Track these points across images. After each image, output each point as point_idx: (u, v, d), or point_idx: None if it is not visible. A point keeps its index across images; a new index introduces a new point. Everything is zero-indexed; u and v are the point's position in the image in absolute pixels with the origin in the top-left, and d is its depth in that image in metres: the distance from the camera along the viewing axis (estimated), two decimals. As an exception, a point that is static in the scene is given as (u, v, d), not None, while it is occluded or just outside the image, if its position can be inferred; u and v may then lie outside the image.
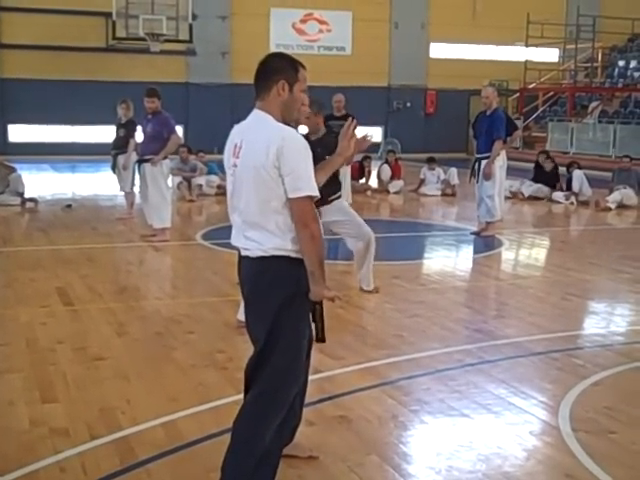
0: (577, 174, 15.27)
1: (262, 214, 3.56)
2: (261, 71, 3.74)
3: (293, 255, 3.55)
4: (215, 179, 15.83)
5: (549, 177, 15.93)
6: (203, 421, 4.63)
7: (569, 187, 15.47)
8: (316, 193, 3.52)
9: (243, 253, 3.70)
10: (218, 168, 16.29)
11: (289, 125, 3.68)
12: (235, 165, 3.65)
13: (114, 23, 23.20)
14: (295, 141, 3.53)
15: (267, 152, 3.48)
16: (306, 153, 3.53)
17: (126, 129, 12.27)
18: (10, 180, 13.84)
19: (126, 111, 12.40)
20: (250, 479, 3.56)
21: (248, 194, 3.59)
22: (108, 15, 23.31)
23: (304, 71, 3.80)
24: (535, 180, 16.04)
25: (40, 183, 17.27)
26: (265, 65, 3.76)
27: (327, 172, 4.01)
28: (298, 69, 3.77)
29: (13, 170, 14.14)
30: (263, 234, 3.56)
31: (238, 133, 3.74)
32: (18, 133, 24.45)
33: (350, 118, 4.30)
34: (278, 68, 3.73)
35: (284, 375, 3.65)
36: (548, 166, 16.05)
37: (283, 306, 3.55)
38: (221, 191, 15.69)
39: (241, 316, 6.47)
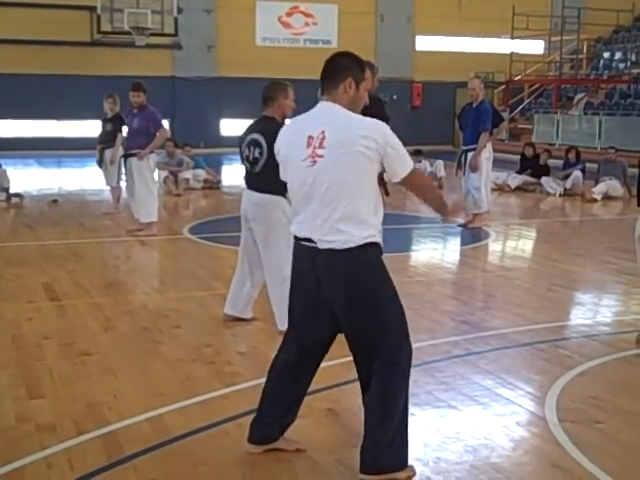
0: (577, 174, 15.27)
1: (355, 203, 3.67)
2: (329, 68, 3.88)
3: (375, 240, 3.74)
4: (202, 173, 15.80)
5: (535, 167, 15.99)
6: (190, 415, 4.62)
7: (564, 169, 15.52)
8: (412, 166, 3.79)
9: (323, 246, 3.71)
10: (204, 162, 16.28)
11: None
12: (317, 155, 3.69)
13: (99, 17, 23.07)
14: (383, 127, 3.73)
15: (367, 139, 3.63)
16: (393, 135, 3.74)
17: (113, 123, 12.22)
18: (-4, 177, 13.77)
19: (112, 105, 12.35)
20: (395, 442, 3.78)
21: (340, 184, 3.66)
22: (93, 9, 23.17)
23: (369, 71, 3.98)
24: (521, 172, 16.09)
25: (26, 178, 17.17)
26: (333, 62, 3.90)
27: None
28: (364, 68, 3.93)
29: None
30: (355, 224, 3.68)
31: (308, 124, 3.78)
32: (3, 128, 24.30)
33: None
34: (346, 66, 3.88)
35: (401, 349, 3.85)
36: (529, 153, 16.26)
37: (380, 289, 3.79)
38: (207, 185, 15.67)
39: (229, 309, 6.47)
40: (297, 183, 3.81)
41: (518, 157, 16.82)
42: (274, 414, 4.07)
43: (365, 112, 3.86)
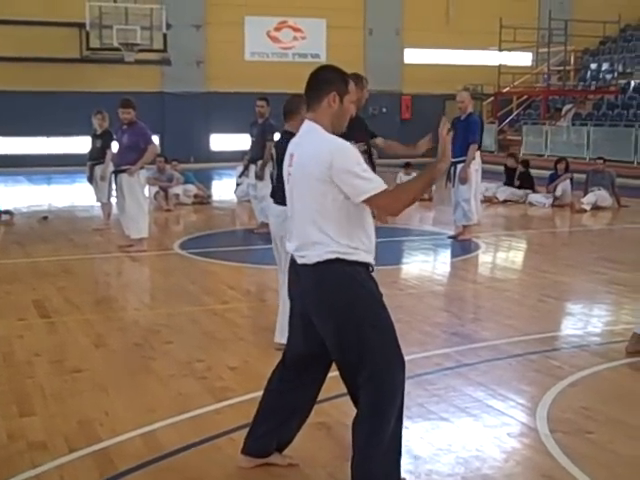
0: (566, 184, 15.34)
1: (315, 221, 3.71)
2: (312, 82, 3.90)
3: (349, 258, 3.70)
4: (192, 188, 15.82)
5: (519, 178, 16.10)
6: (183, 431, 4.62)
7: (552, 180, 15.60)
8: (382, 186, 3.67)
9: (299, 261, 3.80)
10: (195, 177, 16.30)
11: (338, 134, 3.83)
12: (290, 174, 3.86)
13: (88, 34, 23.15)
14: (343, 150, 3.69)
15: (317, 162, 3.66)
16: (356, 157, 3.68)
17: (102, 140, 12.24)
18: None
19: (101, 122, 12.37)
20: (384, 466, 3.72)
21: (301, 202, 3.77)
22: (82, 26, 23.24)
23: (353, 84, 3.96)
24: (507, 183, 16.19)
25: (16, 195, 17.17)
26: (316, 77, 3.91)
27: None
28: (348, 81, 3.92)
29: None
30: (317, 240, 3.71)
31: (293, 144, 3.92)
32: (-7, 145, 24.30)
33: (443, 118, 4.31)
34: (329, 80, 3.87)
35: (386, 363, 3.79)
36: (511, 163, 16.38)
37: (350, 306, 3.70)
38: (198, 200, 15.69)
39: (281, 339, 6.23)
40: (287, 197, 3.95)
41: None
42: (267, 425, 4.07)
43: (346, 134, 3.87)
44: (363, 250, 3.77)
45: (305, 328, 3.89)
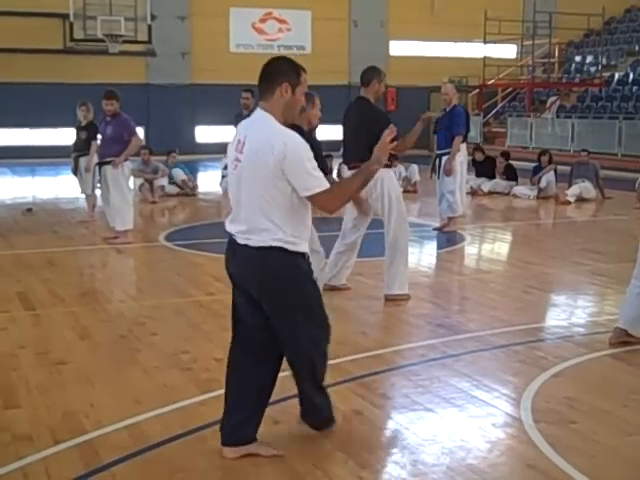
0: (550, 175, 15.39)
1: (262, 209, 3.84)
2: (265, 73, 3.99)
3: (290, 248, 3.87)
4: (180, 173, 15.75)
5: (486, 169, 16.22)
6: (168, 422, 4.62)
7: (535, 172, 15.65)
8: (326, 185, 3.84)
9: (241, 241, 3.92)
10: (187, 169, 16.19)
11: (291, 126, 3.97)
12: (238, 160, 3.93)
13: (71, 24, 23.00)
14: (296, 144, 3.82)
15: (270, 153, 3.77)
16: (308, 153, 3.83)
17: (87, 131, 12.17)
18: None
19: (86, 113, 12.31)
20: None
21: (250, 189, 3.86)
22: (65, 16, 23.08)
23: (305, 75, 4.02)
24: (478, 174, 16.27)
25: (-1, 187, 17.08)
26: (269, 67, 4.00)
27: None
28: (300, 73, 4.00)
29: None
30: (264, 227, 3.84)
31: (242, 129, 4.01)
32: (-24, 137, 24.15)
33: (391, 125, 4.45)
34: (282, 71, 3.97)
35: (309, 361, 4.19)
36: (479, 157, 16.50)
37: (291, 294, 3.94)
38: (183, 192, 15.63)
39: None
40: (230, 182, 4.06)
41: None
42: (243, 412, 4.11)
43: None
44: (303, 240, 3.96)
45: (247, 303, 4.05)
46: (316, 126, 6.19)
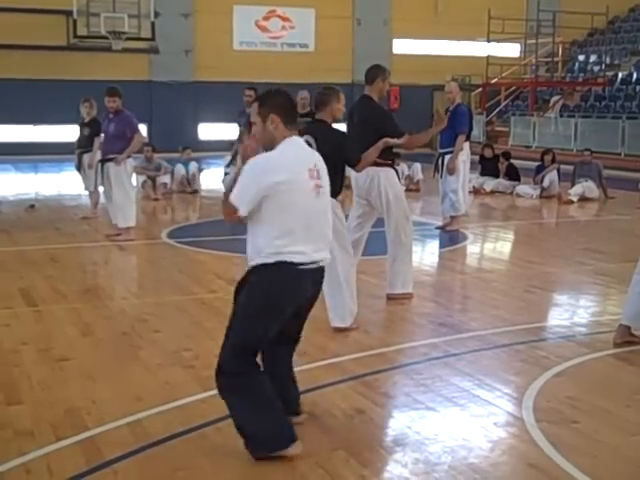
0: (553, 175, 15.38)
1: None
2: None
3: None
4: (194, 168, 15.80)
5: (493, 167, 16.23)
6: (169, 420, 4.62)
7: (538, 171, 15.64)
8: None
9: (323, 264, 4.25)
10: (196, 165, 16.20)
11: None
12: (320, 186, 4.18)
13: (75, 21, 22.95)
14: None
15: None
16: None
17: (90, 128, 12.17)
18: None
19: (89, 110, 12.31)
20: None
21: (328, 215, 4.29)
22: (69, 13, 23.05)
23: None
24: (483, 172, 16.27)
25: (2, 183, 17.07)
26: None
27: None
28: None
29: None
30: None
31: (308, 158, 4.24)
32: (-21, 133, 24.15)
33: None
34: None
35: None
36: (488, 154, 16.54)
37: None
38: (181, 188, 15.59)
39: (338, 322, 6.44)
40: (310, 208, 4.20)
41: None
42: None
43: None
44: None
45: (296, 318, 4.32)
46: (340, 120, 6.26)
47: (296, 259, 4.06)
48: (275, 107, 4.13)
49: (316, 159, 4.24)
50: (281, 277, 4.06)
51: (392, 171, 7.34)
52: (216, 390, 4.21)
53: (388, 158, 7.18)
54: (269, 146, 4.15)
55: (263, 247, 4.07)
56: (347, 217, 7.07)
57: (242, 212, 4.05)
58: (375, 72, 7.32)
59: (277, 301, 4.09)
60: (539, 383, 5.22)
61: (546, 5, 26.15)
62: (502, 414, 4.78)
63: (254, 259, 4.12)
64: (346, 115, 6.92)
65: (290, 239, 4.05)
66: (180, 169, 15.74)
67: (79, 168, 12.60)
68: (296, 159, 4.14)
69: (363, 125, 7.12)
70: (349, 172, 6.74)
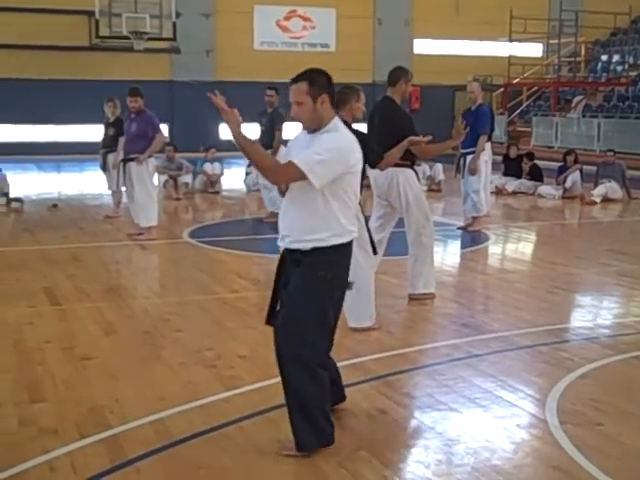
0: (576, 175, 15.29)
1: None
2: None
3: None
4: (217, 166, 15.87)
5: (516, 167, 16.17)
6: (192, 419, 4.63)
7: (561, 172, 15.55)
8: None
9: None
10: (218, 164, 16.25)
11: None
12: None
13: (97, 22, 23.09)
14: None
15: None
16: None
17: (114, 128, 12.22)
18: (-1, 182, 13.78)
19: (113, 109, 12.37)
20: None
21: None
22: (91, 14, 23.19)
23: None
24: (506, 174, 16.20)
25: (25, 183, 17.19)
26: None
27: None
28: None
29: None
30: None
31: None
32: (3, 133, 24.31)
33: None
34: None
35: None
36: (513, 153, 16.51)
37: None
38: (203, 188, 15.63)
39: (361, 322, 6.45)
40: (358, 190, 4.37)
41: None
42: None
43: None
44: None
45: None
46: (359, 120, 6.22)
47: (351, 237, 4.24)
48: (325, 87, 4.15)
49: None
50: (347, 257, 4.24)
51: (411, 172, 7.32)
52: (236, 390, 4.20)
53: (407, 159, 7.16)
54: (316, 126, 4.15)
55: (330, 226, 4.12)
56: (368, 218, 7.05)
57: (317, 185, 4.01)
58: (398, 74, 7.31)
59: (345, 280, 4.27)
60: (562, 385, 5.19)
61: (569, 5, 26.01)
62: (525, 416, 4.75)
63: (311, 240, 4.12)
64: (367, 115, 6.92)
65: (350, 218, 4.19)
66: (208, 168, 15.79)
67: (104, 168, 12.67)
68: (354, 138, 4.25)
69: (383, 126, 7.11)
70: (368, 172, 6.73)
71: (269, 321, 4.29)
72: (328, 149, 4.04)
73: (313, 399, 4.12)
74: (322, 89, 4.12)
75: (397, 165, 7.00)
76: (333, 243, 4.11)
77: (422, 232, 7.25)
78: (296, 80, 4.14)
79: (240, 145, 4.09)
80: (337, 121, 4.18)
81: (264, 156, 4.27)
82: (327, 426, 4.18)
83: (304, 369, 4.08)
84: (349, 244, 4.21)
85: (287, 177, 4.11)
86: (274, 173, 4.16)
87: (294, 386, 4.11)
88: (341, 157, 4.06)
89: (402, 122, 7.18)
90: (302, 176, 4.00)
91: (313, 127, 4.15)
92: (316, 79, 4.13)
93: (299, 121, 4.21)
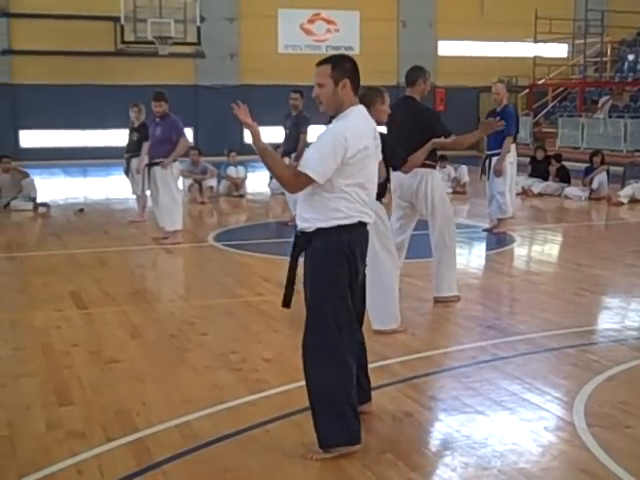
0: (602, 176, 15.17)
1: None
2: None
3: None
4: (242, 170, 15.92)
5: (543, 168, 16.06)
6: (218, 422, 4.64)
7: (587, 173, 15.45)
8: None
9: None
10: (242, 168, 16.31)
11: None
12: (377, 147, 4.34)
13: (122, 27, 23.28)
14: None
15: None
16: None
17: (139, 133, 12.31)
18: (23, 185, 13.90)
19: (138, 114, 12.45)
20: None
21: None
22: (116, 19, 23.39)
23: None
24: (533, 175, 16.10)
25: (52, 188, 17.33)
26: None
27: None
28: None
29: (27, 175, 14.20)
30: None
31: (372, 126, 4.33)
32: (30, 138, 24.54)
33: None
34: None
35: None
36: (540, 155, 16.42)
37: None
38: (228, 191, 15.67)
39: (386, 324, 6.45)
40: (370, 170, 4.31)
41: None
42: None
43: None
44: None
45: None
46: (382, 123, 6.17)
47: (365, 219, 4.23)
48: (348, 72, 4.18)
49: (373, 123, 4.35)
50: (357, 239, 4.22)
51: (438, 173, 7.31)
52: (262, 393, 4.20)
53: (434, 160, 7.14)
54: (334, 111, 4.19)
55: (336, 210, 4.13)
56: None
57: (319, 181, 4.05)
58: (416, 73, 7.30)
59: (360, 263, 4.28)
60: (590, 387, 5.15)
61: (594, 4, 25.83)
62: (552, 418, 4.72)
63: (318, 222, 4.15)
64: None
65: (362, 203, 4.17)
66: (232, 172, 15.84)
67: (127, 172, 12.75)
68: (366, 126, 4.23)
69: (409, 126, 7.06)
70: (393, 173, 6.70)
71: (285, 304, 4.36)
72: (325, 142, 4.10)
73: (338, 391, 4.10)
74: (345, 73, 4.16)
75: (425, 166, 6.98)
76: (335, 224, 4.13)
77: (446, 234, 7.23)
78: (321, 63, 4.23)
79: (261, 155, 4.16)
80: (354, 108, 4.19)
81: (282, 168, 4.30)
82: (354, 423, 4.16)
83: (324, 359, 4.11)
84: (358, 225, 4.19)
85: (300, 186, 4.16)
86: (289, 184, 4.20)
87: (314, 376, 4.13)
88: (335, 148, 4.05)
89: (430, 120, 7.15)
90: (311, 180, 4.06)
91: (332, 111, 4.21)
92: (340, 63, 4.19)
93: (319, 103, 4.24)
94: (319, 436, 4.13)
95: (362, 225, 4.22)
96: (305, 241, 4.21)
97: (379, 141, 4.38)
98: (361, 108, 4.25)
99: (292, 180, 4.16)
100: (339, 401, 4.11)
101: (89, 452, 4.22)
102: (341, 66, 4.17)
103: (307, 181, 4.08)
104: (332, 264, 4.14)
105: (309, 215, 4.17)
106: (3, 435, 4.47)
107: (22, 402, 4.98)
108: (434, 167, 7.21)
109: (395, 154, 6.26)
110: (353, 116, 4.17)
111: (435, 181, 7.21)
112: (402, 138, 6.74)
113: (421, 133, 6.81)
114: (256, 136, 4.14)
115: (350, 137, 4.07)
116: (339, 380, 4.10)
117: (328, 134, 4.12)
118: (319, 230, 4.13)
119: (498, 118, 8.33)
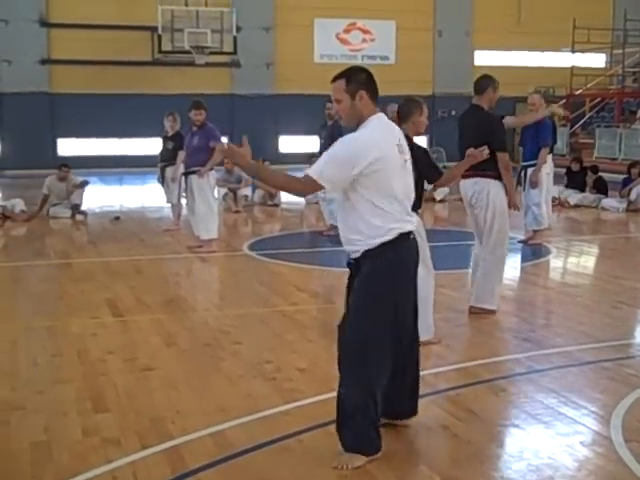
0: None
1: None
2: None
3: None
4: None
5: (594, 186, 15.84)
6: (252, 431, 4.65)
7: (625, 184, 15.27)
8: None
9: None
10: None
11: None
12: (407, 160, 4.27)
13: (160, 37, 23.50)
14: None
15: None
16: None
17: (173, 142, 12.40)
18: (72, 194, 14.03)
19: (173, 123, 12.54)
20: None
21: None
22: (154, 29, 23.62)
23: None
24: (570, 187, 15.95)
25: (89, 196, 17.47)
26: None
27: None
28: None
29: (82, 186, 14.27)
30: None
31: (395, 134, 4.27)
32: (67, 147, 24.82)
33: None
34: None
35: None
36: (576, 167, 16.20)
37: None
38: (262, 200, 15.70)
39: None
40: (401, 182, 4.28)
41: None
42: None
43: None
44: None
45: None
46: (422, 134, 6.16)
47: (406, 228, 4.23)
48: (363, 83, 4.18)
49: (400, 134, 4.30)
50: (403, 254, 4.25)
51: (501, 184, 7.20)
52: (296, 403, 4.21)
53: (496, 169, 7.05)
54: (356, 123, 4.19)
55: (374, 227, 4.13)
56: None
57: (320, 181, 4.03)
58: (486, 82, 7.27)
59: (406, 279, 4.37)
60: (627, 402, 5.08)
61: (633, 14, 25.60)
62: (589, 433, 4.67)
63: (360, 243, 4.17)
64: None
65: (396, 214, 4.15)
66: None
67: (162, 181, 12.84)
68: (386, 136, 4.18)
69: (474, 134, 6.98)
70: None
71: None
72: (334, 149, 4.12)
73: (356, 408, 4.14)
74: (360, 85, 4.16)
75: (487, 176, 6.96)
76: (378, 242, 4.12)
77: (499, 246, 7.18)
78: (336, 79, 4.22)
79: (253, 175, 4.25)
80: (373, 117, 4.17)
81: (279, 175, 4.24)
82: (374, 440, 4.21)
83: (350, 374, 4.17)
84: (401, 238, 4.17)
85: (305, 187, 4.15)
86: (293, 188, 4.19)
87: (339, 388, 4.25)
88: (345, 158, 4.04)
89: (491, 130, 7.08)
90: (318, 184, 4.05)
91: (354, 124, 4.21)
92: (354, 76, 4.18)
93: (340, 118, 4.29)
94: (342, 442, 4.22)
95: (405, 236, 4.20)
96: (355, 268, 4.23)
97: (407, 148, 4.31)
98: (380, 117, 4.21)
99: (296, 183, 4.14)
100: (357, 416, 4.14)
101: (124, 459, 4.25)
102: (355, 79, 4.17)
103: (310, 182, 4.05)
104: (376, 284, 4.15)
105: (352, 236, 4.18)
106: (41, 440, 4.52)
107: (59, 408, 5.03)
108: (495, 178, 7.12)
109: (432, 167, 6.20)
110: (370, 126, 4.16)
111: (498, 193, 7.13)
112: (467, 146, 6.64)
113: (483, 142, 6.74)
114: (241, 159, 4.11)
115: (361, 146, 4.06)
116: (360, 397, 4.14)
117: (338, 143, 4.14)
118: (366, 253, 4.14)
119: (534, 129, 8.25)
